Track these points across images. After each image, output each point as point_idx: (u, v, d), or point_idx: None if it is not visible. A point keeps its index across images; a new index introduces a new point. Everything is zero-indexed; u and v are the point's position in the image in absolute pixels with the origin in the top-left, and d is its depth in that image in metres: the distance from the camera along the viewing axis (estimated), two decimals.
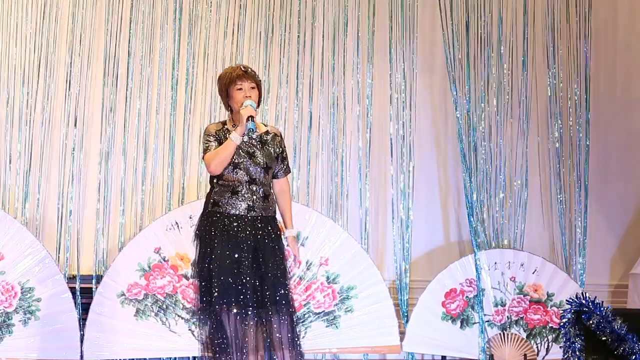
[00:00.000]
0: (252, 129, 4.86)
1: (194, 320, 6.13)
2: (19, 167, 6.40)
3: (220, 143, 4.94)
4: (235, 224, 4.93)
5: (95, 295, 6.14)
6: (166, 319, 6.19)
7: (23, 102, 6.43)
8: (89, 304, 6.14)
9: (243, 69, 5.02)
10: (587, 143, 6.87)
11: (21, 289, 6.06)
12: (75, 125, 6.44)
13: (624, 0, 7.24)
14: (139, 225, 6.45)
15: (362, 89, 6.76)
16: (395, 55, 6.75)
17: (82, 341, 6.05)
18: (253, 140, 4.99)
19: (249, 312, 4.87)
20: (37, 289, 6.06)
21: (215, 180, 5.02)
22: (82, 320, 6.10)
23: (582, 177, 6.86)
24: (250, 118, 4.86)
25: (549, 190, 6.93)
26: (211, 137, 4.98)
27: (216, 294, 4.85)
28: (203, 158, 4.99)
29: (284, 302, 4.95)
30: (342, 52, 6.76)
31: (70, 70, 6.47)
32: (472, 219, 6.68)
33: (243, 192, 4.96)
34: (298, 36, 6.70)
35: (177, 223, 6.27)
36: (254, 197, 4.96)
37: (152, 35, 6.57)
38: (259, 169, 4.98)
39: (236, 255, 4.90)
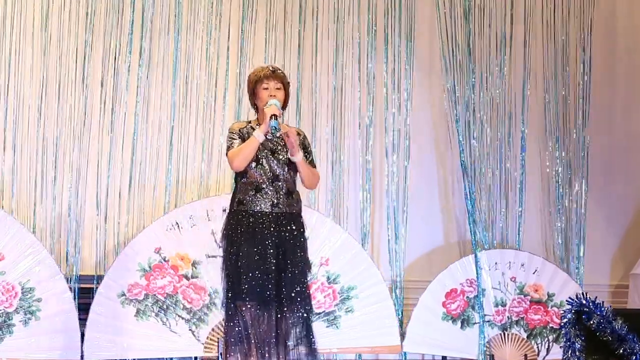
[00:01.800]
0: (275, 127, 4.91)
1: (194, 320, 6.13)
2: (20, 168, 6.40)
3: (244, 141, 5.02)
4: (260, 221, 5.00)
5: (95, 295, 6.13)
6: (166, 319, 6.19)
7: (23, 102, 6.43)
8: (89, 304, 6.13)
9: (272, 69, 5.11)
10: (587, 143, 6.88)
11: (21, 289, 6.05)
12: (86, 125, 6.47)
13: (624, 2, 7.24)
14: (139, 225, 6.44)
15: (362, 89, 6.76)
16: (393, 57, 6.76)
17: (82, 341, 6.05)
18: (276, 138, 5.05)
19: (271, 308, 4.95)
20: (38, 289, 6.05)
21: (239, 179, 5.10)
22: (82, 320, 6.09)
23: (582, 178, 6.86)
24: (273, 116, 4.91)
25: (549, 191, 6.93)
26: (235, 135, 5.07)
27: (245, 290, 4.92)
28: (227, 155, 5.07)
29: (299, 299, 5.00)
30: (342, 51, 6.76)
31: (68, 72, 6.47)
32: (471, 220, 6.67)
33: (267, 189, 5.02)
34: (299, 32, 6.73)
35: (177, 223, 6.26)
36: (278, 193, 5.03)
37: (152, 35, 6.57)
38: (281, 165, 5.04)
39: (262, 252, 4.97)
